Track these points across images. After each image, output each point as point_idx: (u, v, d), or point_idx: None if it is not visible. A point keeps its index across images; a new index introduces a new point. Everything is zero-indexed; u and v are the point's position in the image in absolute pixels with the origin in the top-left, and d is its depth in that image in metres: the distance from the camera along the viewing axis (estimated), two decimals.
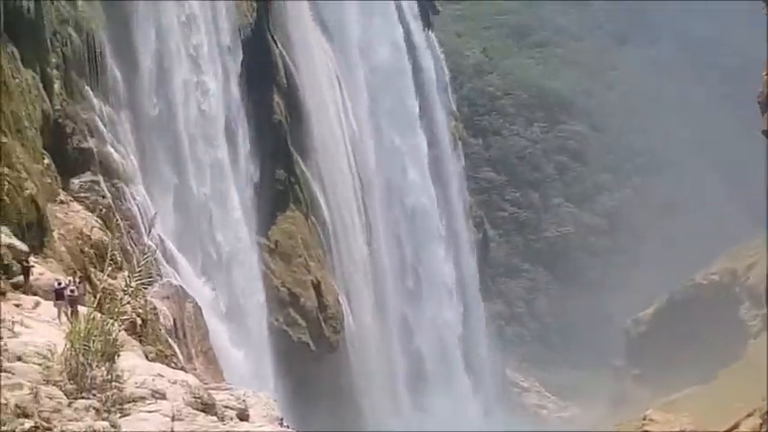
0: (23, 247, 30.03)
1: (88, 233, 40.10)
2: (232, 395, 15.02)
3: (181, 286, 45.99)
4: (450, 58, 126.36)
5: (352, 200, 77.87)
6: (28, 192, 34.27)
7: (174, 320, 43.19)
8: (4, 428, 9.83)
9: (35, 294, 27.03)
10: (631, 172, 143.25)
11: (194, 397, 12.90)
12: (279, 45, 69.11)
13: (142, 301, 36.13)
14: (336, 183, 75.42)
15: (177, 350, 41.57)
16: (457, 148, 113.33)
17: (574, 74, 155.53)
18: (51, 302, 24.83)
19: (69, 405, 10.75)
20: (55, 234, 37.49)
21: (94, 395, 11.17)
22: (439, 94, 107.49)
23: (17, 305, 24.38)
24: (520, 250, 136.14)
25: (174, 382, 12.94)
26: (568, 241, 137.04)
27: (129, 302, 13.61)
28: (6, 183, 32.90)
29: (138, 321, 35.80)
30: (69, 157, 42.70)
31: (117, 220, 43.24)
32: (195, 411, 12.39)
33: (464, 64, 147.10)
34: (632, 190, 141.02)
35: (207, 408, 12.97)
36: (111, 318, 11.74)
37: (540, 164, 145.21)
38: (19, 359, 11.62)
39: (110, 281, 30.02)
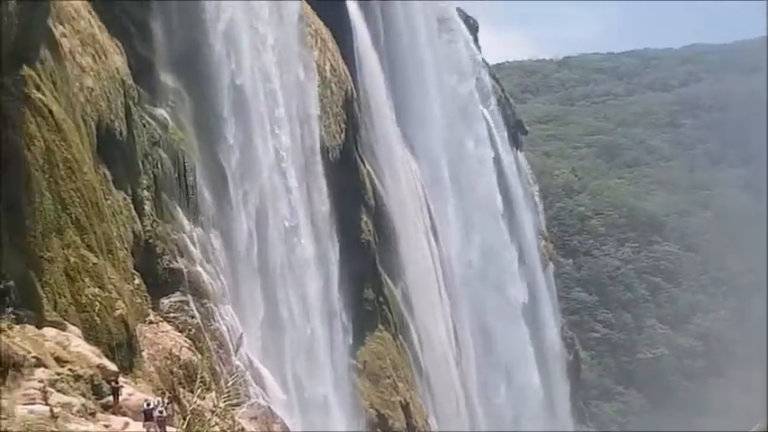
0: (113, 367, 30.04)
1: (177, 353, 40.12)
2: None
3: (269, 407, 45.59)
4: (540, 177, 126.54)
5: (440, 321, 77.41)
6: (118, 312, 34.40)
7: None
8: None
9: (124, 415, 26.94)
10: (727, 293, 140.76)
11: None
12: (366, 165, 69.57)
13: (230, 422, 35.79)
14: (424, 303, 75.04)
15: None
16: (547, 269, 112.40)
17: (665, 194, 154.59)
18: (140, 423, 24.67)
19: None
20: (144, 354, 37.54)
21: None
22: (528, 214, 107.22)
23: (106, 426, 24.27)
24: (613, 372, 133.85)
25: None
26: (662, 363, 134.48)
27: (217, 423, 13.36)
28: (98, 303, 33.08)
29: None
30: (159, 277, 42.94)
31: (206, 341, 43.24)
32: None
33: (554, 184, 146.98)
34: (727, 311, 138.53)
35: None
36: None
37: (632, 284, 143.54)
38: None
39: (198, 401, 29.83)
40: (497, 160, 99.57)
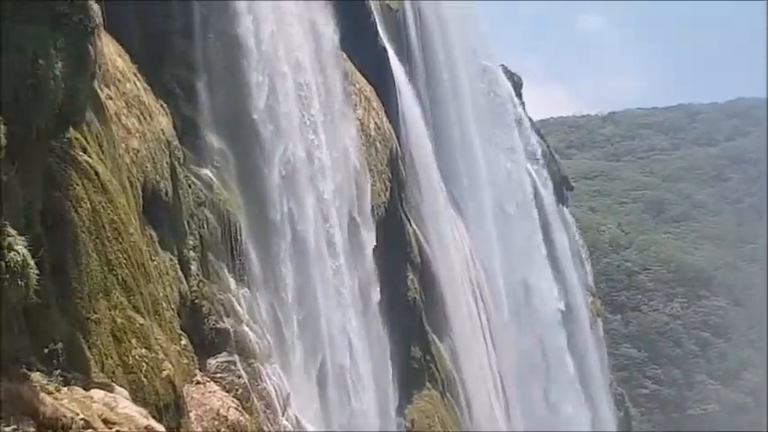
0: (161, 428, 29.87)
1: (225, 414, 39.94)
2: None
3: None
4: (586, 233, 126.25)
5: (488, 378, 76.94)
6: (165, 373, 34.31)
7: None
8: None
9: None
10: None
11: None
12: (412, 223, 69.53)
13: None
14: (472, 361, 74.64)
15: None
16: (595, 325, 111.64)
17: (712, 248, 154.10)
18: None
19: None
20: (192, 415, 37.37)
21: None
22: (575, 270, 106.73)
23: None
24: (663, 428, 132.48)
25: None
26: (714, 420, 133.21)
27: None
28: (144, 364, 33.02)
29: None
30: (206, 337, 42.84)
31: (253, 401, 43.07)
32: None
33: (600, 239, 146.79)
34: None
35: None
36: None
37: (681, 340, 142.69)
38: None
39: None
40: (543, 216, 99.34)
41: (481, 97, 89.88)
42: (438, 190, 75.87)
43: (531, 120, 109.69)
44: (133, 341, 32.48)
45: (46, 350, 27.17)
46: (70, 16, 27.57)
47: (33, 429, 23.51)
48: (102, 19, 29.99)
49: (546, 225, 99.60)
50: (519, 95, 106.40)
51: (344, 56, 64.33)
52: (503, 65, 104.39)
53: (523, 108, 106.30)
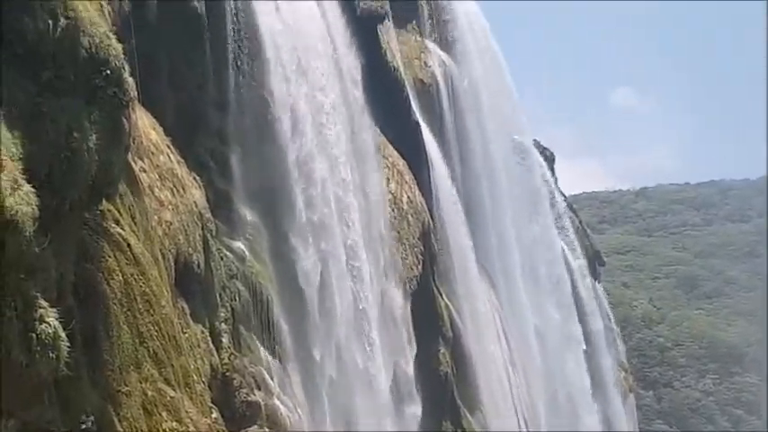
0: None
1: None
2: None
3: None
4: (618, 308, 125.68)
5: None
6: None
7: None
8: None
9: None
10: None
11: None
12: (444, 296, 69.25)
13: None
14: None
15: None
16: (627, 401, 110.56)
17: (745, 324, 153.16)
18: None
19: None
20: None
21: None
22: (608, 346, 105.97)
23: None
24: None
25: None
26: None
27: None
28: None
29: None
30: (237, 410, 42.56)
31: None
32: None
33: (632, 315, 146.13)
34: None
35: None
36: None
37: (713, 417, 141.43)
38: None
39: None
40: (575, 291, 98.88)
41: (514, 171, 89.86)
42: (470, 264, 75.64)
43: (563, 194, 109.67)
44: (164, 414, 32.28)
45: (77, 423, 27.03)
46: (105, 89, 27.74)
47: None
48: (136, 92, 30.16)
49: (578, 300, 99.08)
50: (551, 170, 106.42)
51: (378, 130, 64.64)
52: (535, 139, 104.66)
53: (556, 182, 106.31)
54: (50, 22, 26.10)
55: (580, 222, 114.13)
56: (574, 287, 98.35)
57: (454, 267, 72.77)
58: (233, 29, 48.79)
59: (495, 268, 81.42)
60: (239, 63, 49.05)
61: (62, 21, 26.40)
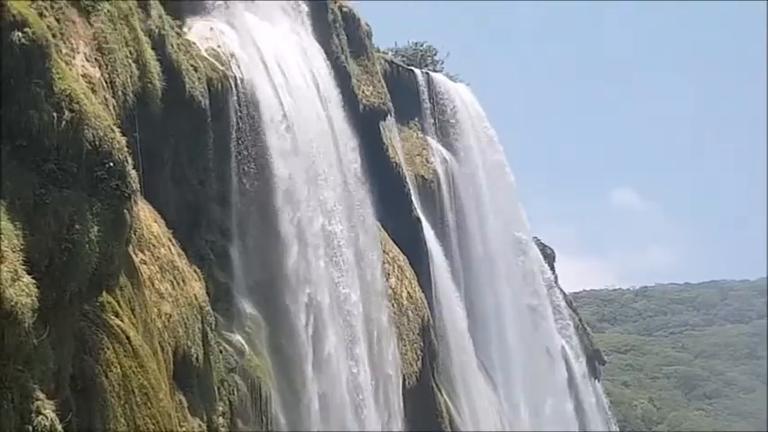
0: None
1: None
2: None
3: None
4: (618, 407, 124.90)
5: None
6: None
7: None
8: None
9: None
10: None
11: None
12: (443, 393, 68.92)
13: None
14: None
15: None
16: None
17: (745, 425, 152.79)
18: None
19: None
20: None
21: None
22: None
23: None
24: None
25: None
26: None
27: None
28: None
29: None
30: None
31: None
32: None
33: (632, 414, 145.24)
34: None
35: None
36: None
37: None
38: None
39: None
40: (574, 390, 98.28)
41: (514, 268, 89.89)
42: (470, 360, 75.40)
43: (563, 292, 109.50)
44: None
45: None
46: (108, 182, 27.97)
47: None
48: (139, 185, 30.37)
49: (578, 398, 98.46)
50: (552, 267, 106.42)
51: (379, 225, 64.90)
52: (536, 236, 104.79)
53: (556, 280, 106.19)
54: (55, 114, 26.42)
55: (580, 320, 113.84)
56: (574, 385, 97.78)
57: (453, 364, 72.50)
58: (236, 123, 49.22)
59: (495, 365, 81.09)
60: (242, 157, 49.40)
61: (66, 113, 26.73)
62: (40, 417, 23.74)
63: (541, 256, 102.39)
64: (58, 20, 30.75)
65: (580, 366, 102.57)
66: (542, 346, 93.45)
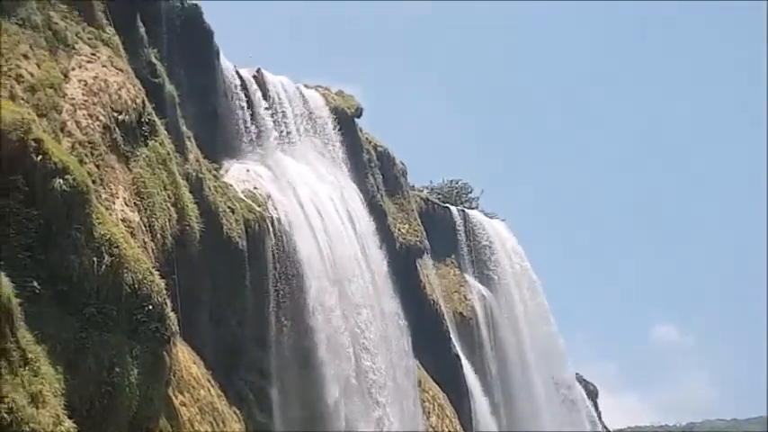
0: None
1: None
2: None
3: None
4: None
5: None
6: None
7: None
8: None
9: None
10: None
11: None
12: None
13: None
14: None
15: None
16: None
17: None
18: None
19: None
20: None
21: None
22: None
23: None
24: None
25: None
26: None
27: None
28: None
29: None
30: None
31: None
32: None
33: None
34: None
35: None
36: None
37: None
38: None
39: None
40: None
41: (557, 405, 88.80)
42: None
43: (607, 429, 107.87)
44: None
45: None
46: (147, 324, 28.30)
47: None
48: (178, 327, 30.65)
49: None
50: (595, 404, 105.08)
51: (417, 362, 64.66)
52: (577, 373, 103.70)
53: (600, 417, 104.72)
54: (95, 258, 26.89)
55: None
56: None
57: None
58: (273, 264, 49.59)
59: None
60: (279, 298, 49.65)
61: (106, 258, 27.20)
62: None
63: (584, 393, 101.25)
64: (98, 166, 31.47)
65: None
66: None
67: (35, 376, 22.97)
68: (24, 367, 22.71)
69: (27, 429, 21.62)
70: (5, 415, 21.22)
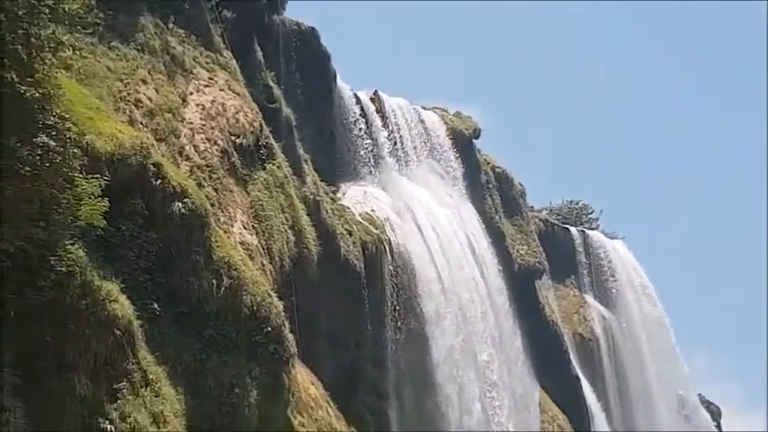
0: None
1: None
2: None
3: None
4: None
5: None
6: None
7: None
8: None
9: None
10: None
11: None
12: None
13: None
14: None
15: None
16: None
17: None
18: None
19: None
20: None
21: None
22: None
23: None
24: None
25: None
26: None
27: None
28: None
29: None
30: None
31: None
32: None
33: None
34: None
35: None
36: None
37: None
38: None
39: None
40: None
41: (679, 427, 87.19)
42: None
43: None
44: None
45: None
46: (266, 346, 28.53)
47: None
48: (296, 349, 30.83)
49: None
50: (718, 426, 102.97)
51: (537, 384, 64.21)
52: (699, 394, 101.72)
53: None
54: (214, 281, 27.23)
55: None
56: None
57: None
58: (391, 286, 49.65)
59: None
60: (397, 319, 49.68)
61: (225, 280, 27.52)
62: None
63: (708, 415, 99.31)
64: (216, 189, 31.92)
65: None
66: None
67: (156, 397, 23.32)
68: (146, 388, 23.06)
69: None
70: None
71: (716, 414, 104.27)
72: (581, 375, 70.79)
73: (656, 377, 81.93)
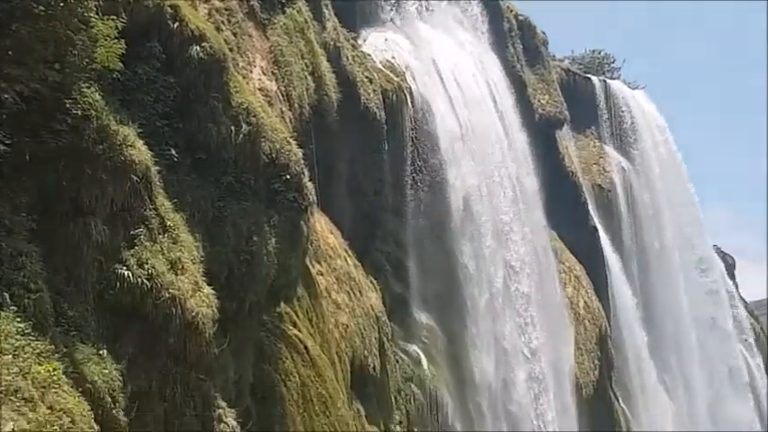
0: None
1: None
2: None
3: None
4: None
5: None
6: None
7: None
8: None
9: None
10: None
11: None
12: (621, 402, 67.70)
13: None
14: None
15: None
16: None
17: None
18: None
19: None
20: None
21: None
22: None
23: None
24: None
25: None
26: None
27: None
28: None
29: None
30: None
31: None
32: None
33: None
34: None
35: None
36: None
37: None
38: None
39: None
40: (756, 396, 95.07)
41: (693, 277, 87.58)
42: (648, 371, 73.77)
43: (744, 300, 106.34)
44: None
45: None
46: (285, 194, 28.24)
47: None
48: (315, 197, 30.59)
49: (759, 404, 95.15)
50: (732, 276, 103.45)
51: (555, 234, 64.25)
52: (715, 245, 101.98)
53: (737, 288, 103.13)
54: (233, 127, 26.81)
55: (761, 329, 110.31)
56: (757, 396, 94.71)
57: (631, 374, 71.08)
58: (411, 134, 49.27)
59: (675, 376, 79.07)
60: (416, 169, 49.43)
61: (244, 127, 27.10)
62: (222, 425, 24.07)
63: (722, 265, 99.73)
64: (235, 34, 31.27)
65: (762, 377, 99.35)
66: (723, 358, 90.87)
67: (174, 243, 23.12)
68: (163, 234, 22.86)
69: (167, 295, 21.83)
70: (145, 281, 21.45)
71: (731, 265, 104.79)
72: (599, 226, 70.84)
73: (672, 228, 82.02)
